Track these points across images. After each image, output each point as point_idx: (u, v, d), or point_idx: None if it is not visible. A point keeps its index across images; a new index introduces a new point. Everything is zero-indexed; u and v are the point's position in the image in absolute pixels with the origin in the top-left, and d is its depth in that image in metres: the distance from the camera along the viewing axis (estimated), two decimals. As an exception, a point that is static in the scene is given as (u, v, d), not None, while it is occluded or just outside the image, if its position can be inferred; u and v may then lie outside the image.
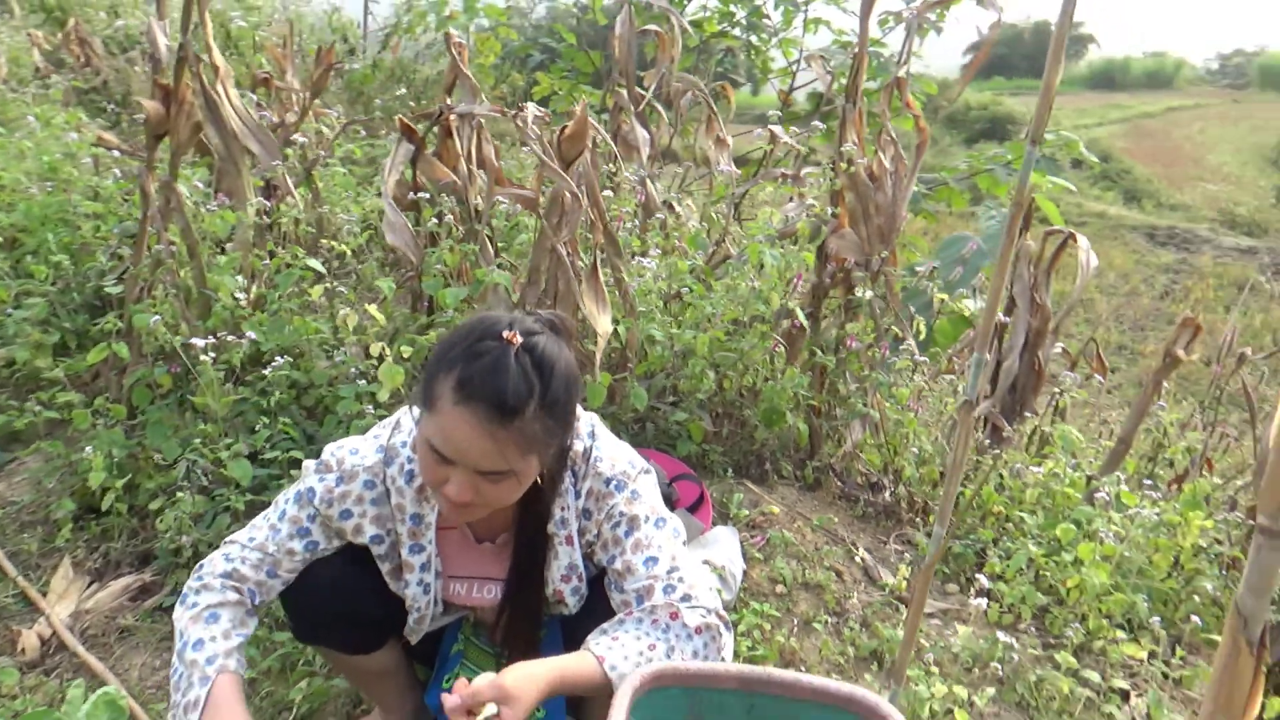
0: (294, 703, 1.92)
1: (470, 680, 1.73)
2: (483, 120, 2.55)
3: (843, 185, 3.08)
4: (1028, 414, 3.63)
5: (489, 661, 1.75)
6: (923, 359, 2.97)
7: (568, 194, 2.31)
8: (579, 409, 1.53)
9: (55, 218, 3.51)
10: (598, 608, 1.54)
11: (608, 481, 1.48)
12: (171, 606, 2.21)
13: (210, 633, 1.41)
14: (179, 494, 2.27)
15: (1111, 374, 5.87)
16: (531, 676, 1.27)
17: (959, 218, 9.71)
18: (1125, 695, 2.23)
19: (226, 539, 1.53)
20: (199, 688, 1.35)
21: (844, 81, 3.15)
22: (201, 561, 1.51)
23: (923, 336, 3.25)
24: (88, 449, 2.35)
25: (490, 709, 1.22)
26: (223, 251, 3.18)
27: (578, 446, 1.49)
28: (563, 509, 1.49)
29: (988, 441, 3.34)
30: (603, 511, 1.48)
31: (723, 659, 1.46)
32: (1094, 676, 2.20)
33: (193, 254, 2.76)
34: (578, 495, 1.49)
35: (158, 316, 2.50)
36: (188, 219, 2.73)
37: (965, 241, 4.01)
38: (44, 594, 2.24)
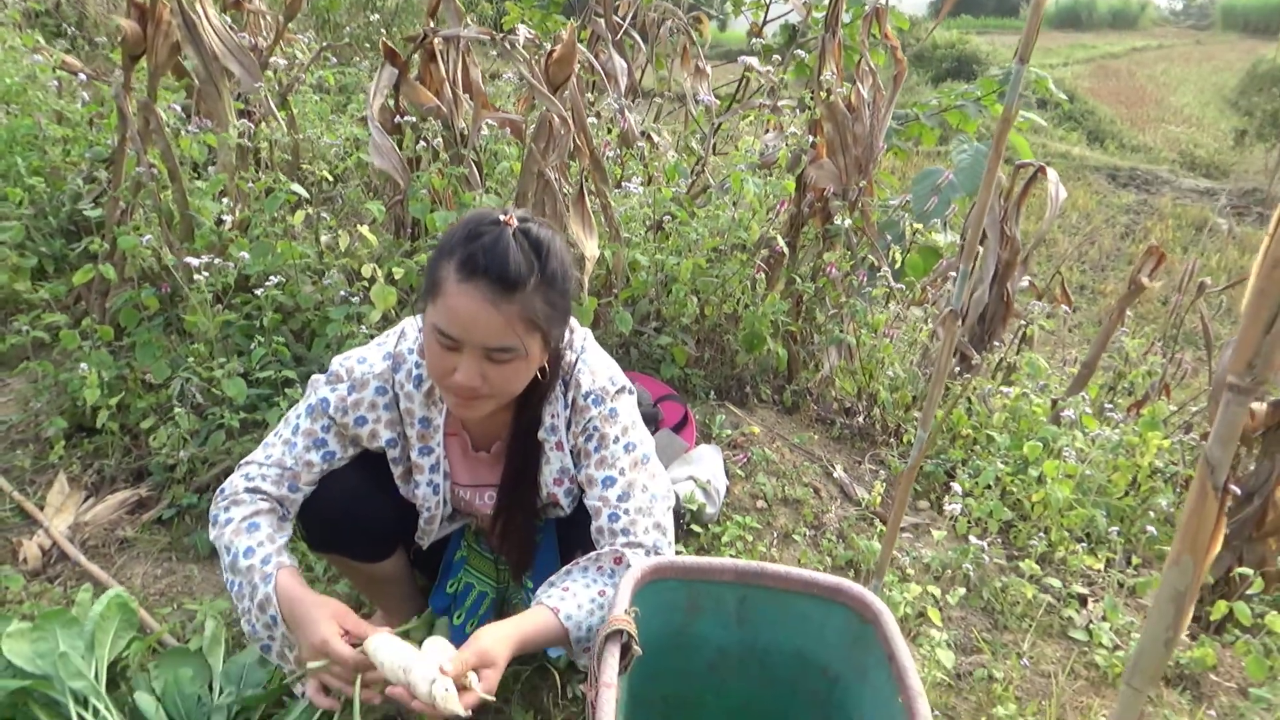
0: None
1: (472, 584, 1.82)
2: (469, 44, 2.55)
3: (821, 115, 3.12)
4: (996, 343, 3.75)
5: (489, 566, 1.83)
6: (899, 287, 3.06)
7: (556, 118, 2.33)
8: (574, 322, 1.59)
9: (23, 141, 3.45)
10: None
11: (586, 395, 1.53)
12: (170, 520, 2.28)
13: (256, 539, 1.47)
14: (175, 412, 2.30)
15: (1074, 312, 6.03)
16: (503, 638, 1.35)
17: (927, 156, 9.76)
18: (1084, 600, 2.37)
19: (241, 462, 1.57)
20: (264, 586, 1.42)
21: (821, 14, 3.18)
22: (221, 486, 1.55)
23: (897, 266, 3.33)
24: (82, 366, 2.36)
25: (471, 679, 1.28)
26: (199, 175, 3.16)
27: (569, 357, 1.54)
28: (552, 416, 1.55)
29: (957, 369, 3.46)
30: (579, 424, 1.54)
31: None
32: (1055, 583, 2.34)
33: (174, 177, 2.74)
34: (566, 404, 1.55)
35: (147, 237, 2.50)
36: (168, 141, 2.71)
37: (939, 174, 4.07)
38: (41, 508, 2.28)
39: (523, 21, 6.37)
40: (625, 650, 1.30)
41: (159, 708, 1.71)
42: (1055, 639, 2.23)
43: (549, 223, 1.44)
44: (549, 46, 2.51)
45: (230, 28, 3.48)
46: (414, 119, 2.65)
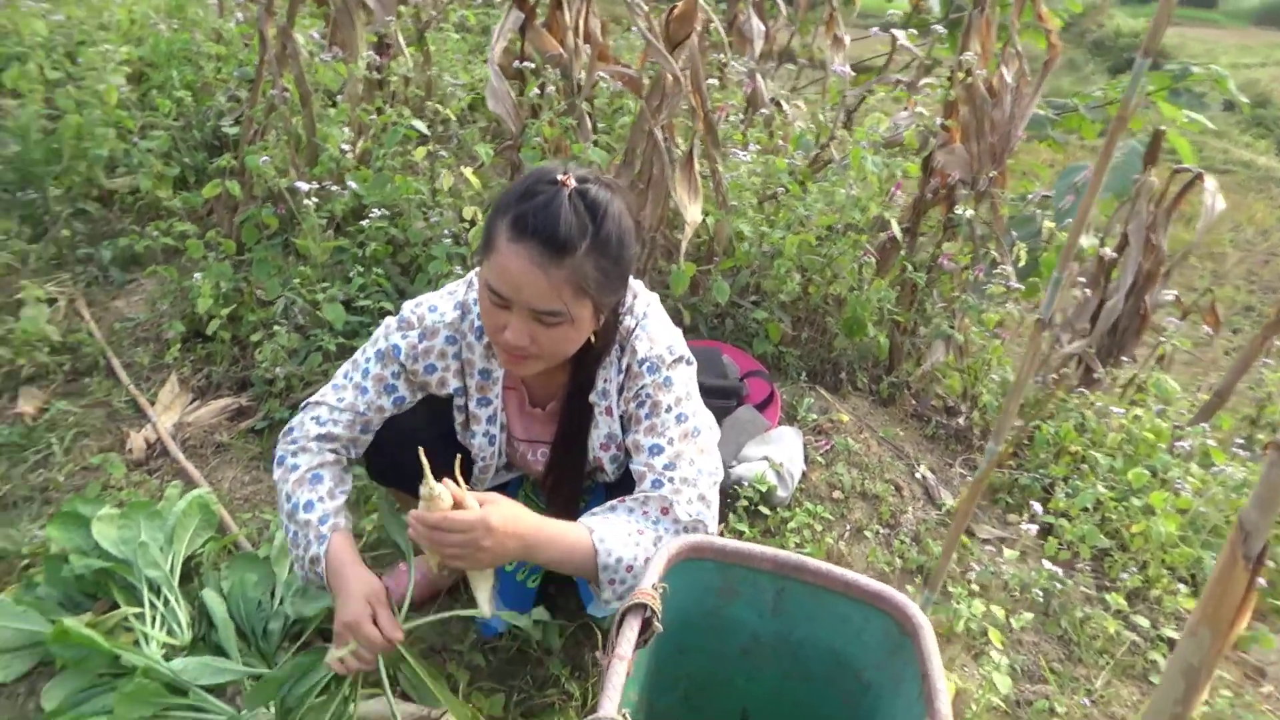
0: (365, 531, 2.06)
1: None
2: (595, -8, 2.52)
3: (958, 97, 2.95)
4: (1125, 359, 3.51)
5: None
6: (1018, 286, 2.88)
7: (669, 76, 2.28)
8: (640, 287, 1.56)
9: (180, 55, 3.63)
10: None
11: (642, 362, 1.50)
12: (263, 430, 2.39)
13: (317, 493, 1.52)
14: (276, 329, 2.40)
15: (1233, 334, 5.59)
16: (517, 506, 1.36)
17: (1089, 150, 9.15)
18: (1174, 645, 2.21)
19: (309, 402, 1.60)
20: (316, 546, 1.48)
21: None
22: (289, 425, 1.59)
23: (1022, 264, 3.14)
24: (196, 275, 2.49)
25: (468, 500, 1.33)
26: (334, 104, 3.26)
27: (629, 322, 1.51)
28: (605, 380, 1.52)
29: (1076, 381, 3.25)
30: (631, 389, 1.51)
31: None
32: (1143, 622, 2.19)
33: (305, 102, 2.83)
34: (620, 370, 1.52)
35: (267, 158, 2.59)
36: (302, 67, 2.79)
37: (1082, 170, 3.80)
38: (152, 403, 2.42)
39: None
40: (646, 625, 1.28)
41: (224, 606, 1.81)
42: (1133, 681, 2.09)
43: (615, 183, 1.41)
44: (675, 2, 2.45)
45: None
46: (534, 65, 2.65)
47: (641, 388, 1.50)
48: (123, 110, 3.26)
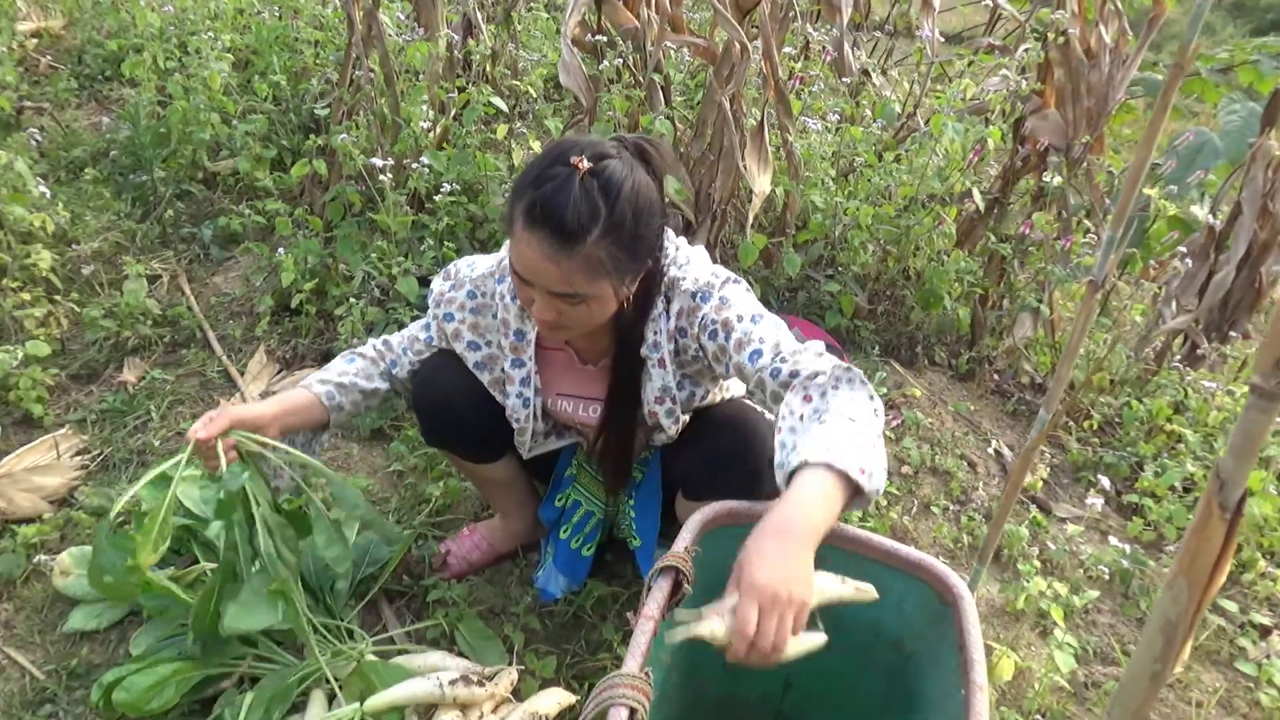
0: (433, 497, 2.12)
1: (579, 501, 1.85)
2: (664, -38, 2.50)
3: (1052, 59, 2.82)
4: (1234, 335, 3.30)
5: (597, 486, 1.86)
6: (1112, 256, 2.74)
7: (738, 45, 2.25)
8: (681, 240, 1.55)
9: (281, 41, 3.79)
10: (697, 434, 1.61)
11: (694, 295, 1.48)
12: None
13: (338, 366, 1.71)
14: (351, 302, 2.49)
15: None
16: (747, 551, 1.15)
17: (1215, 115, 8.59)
18: (1265, 632, 2.09)
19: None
20: (289, 392, 1.66)
21: None
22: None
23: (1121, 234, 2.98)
24: (279, 251, 2.60)
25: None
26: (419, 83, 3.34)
27: (672, 272, 1.51)
28: (655, 333, 1.51)
29: (1179, 357, 3.08)
30: (695, 325, 1.48)
31: (869, 394, 1.32)
32: (1231, 607, 2.08)
33: (389, 82, 2.91)
34: (669, 318, 1.51)
35: (344, 136, 2.69)
36: (386, 48, 2.87)
37: (1203, 138, 3.56)
38: (242, 373, 2.55)
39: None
40: (677, 588, 1.29)
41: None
42: (1218, 668, 1.98)
43: (650, 148, 1.40)
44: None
45: (464, -59, 3.62)
46: (604, 39, 2.65)
47: (704, 317, 1.46)
48: (226, 96, 3.43)
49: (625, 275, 1.39)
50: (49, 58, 4.49)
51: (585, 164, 1.30)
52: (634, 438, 1.65)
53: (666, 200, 2.58)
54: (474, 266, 1.63)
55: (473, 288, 1.62)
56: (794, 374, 1.35)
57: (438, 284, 1.67)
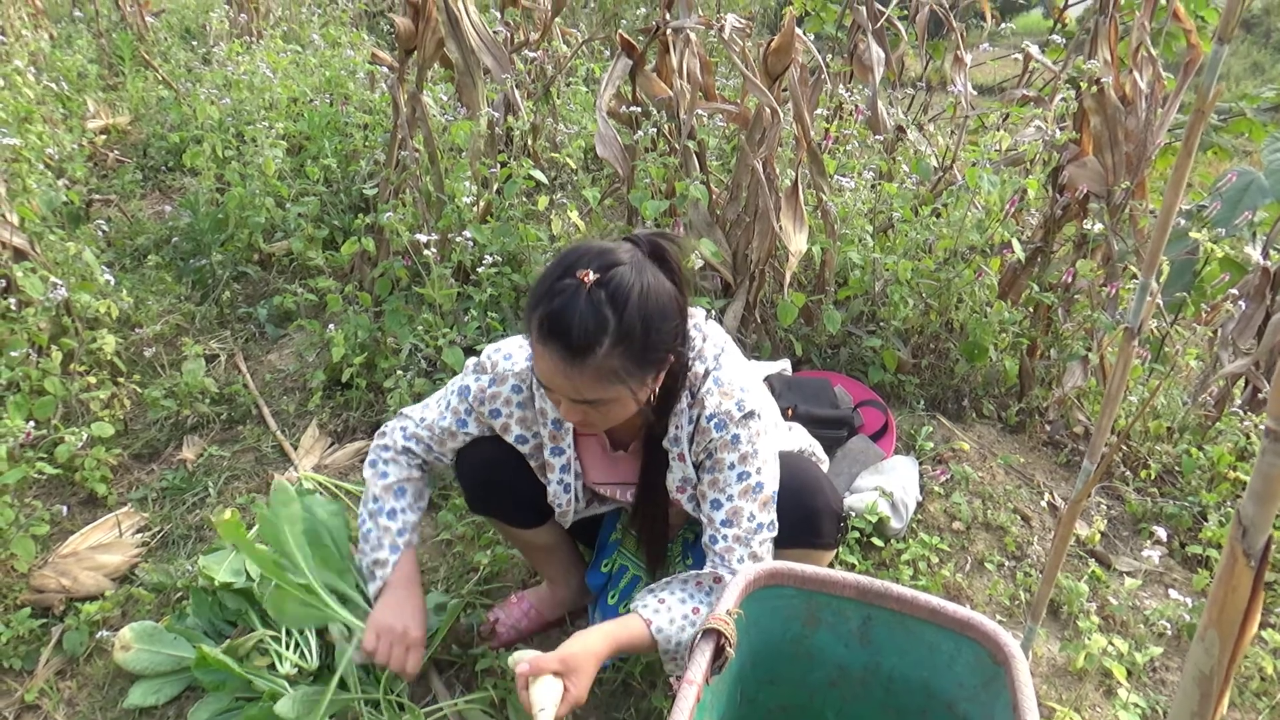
0: (480, 564, 2.14)
1: (626, 566, 1.86)
2: (692, 34, 2.57)
3: (1088, 107, 2.82)
4: (1297, 376, 3.20)
5: (641, 550, 1.86)
6: (1163, 300, 2.70)
7: (767, 110, 2.30)
8: (711, 328, 1.57)
9: (332, 127, 3.95)
10: None
11: (709, 418, 1.50)
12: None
13: (401, 504, 1.69)
14: (398, 374, 2.55)
15: None
16: (590, 648, 1.41)
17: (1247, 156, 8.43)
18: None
19: (402, 411, 1.76)
20: (389, 552, 1.66)
21: None
22: (384, 428, 1.75)
23: (1164, 278, 2.94)
24: (330, 327, 2.68)
25: (553, 686, 1.36)
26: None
27: (699, 368, 1.51)
28: (677, 427, 1.53)
29: (1239, 402, 3.00)
30: (701, 444, 1.52)
31: None
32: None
33: (433, 160, 3.02)
34: (691, 420, 1.53)
35: (391, 214, 2.78)
36: (430, 128, 2.99)
37: (1249, 177, 3.51)
38: (295, 447, 2.62)
39: (807, 11, 6.31)
40: (719, 652, 1.28)
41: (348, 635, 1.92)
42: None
43: (664, 243, 1.42)
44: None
45: (506, 23, 3.78)
46: (639, 110, 2.72)
47: (709, 442, 1.51)
48: (280, 180, 3.58)
49: (642, 378, 1.41)
50: (116, 152, 4.74)
51: (591, 276, 1.33)
52: (666, 518, 1.68)
53: (701, 265, 2.62)
54: (510, 357, 1.64)
55: (516, 381, 1.63)
56: (720, 557, 1.51)
57: (472, 380, 1.66)
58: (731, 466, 1.50)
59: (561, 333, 1.32)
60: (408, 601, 1.63)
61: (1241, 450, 2.67)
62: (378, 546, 1.67)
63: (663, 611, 1.49)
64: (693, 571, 1.54)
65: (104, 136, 4.85)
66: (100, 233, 3.50)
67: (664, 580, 1.56)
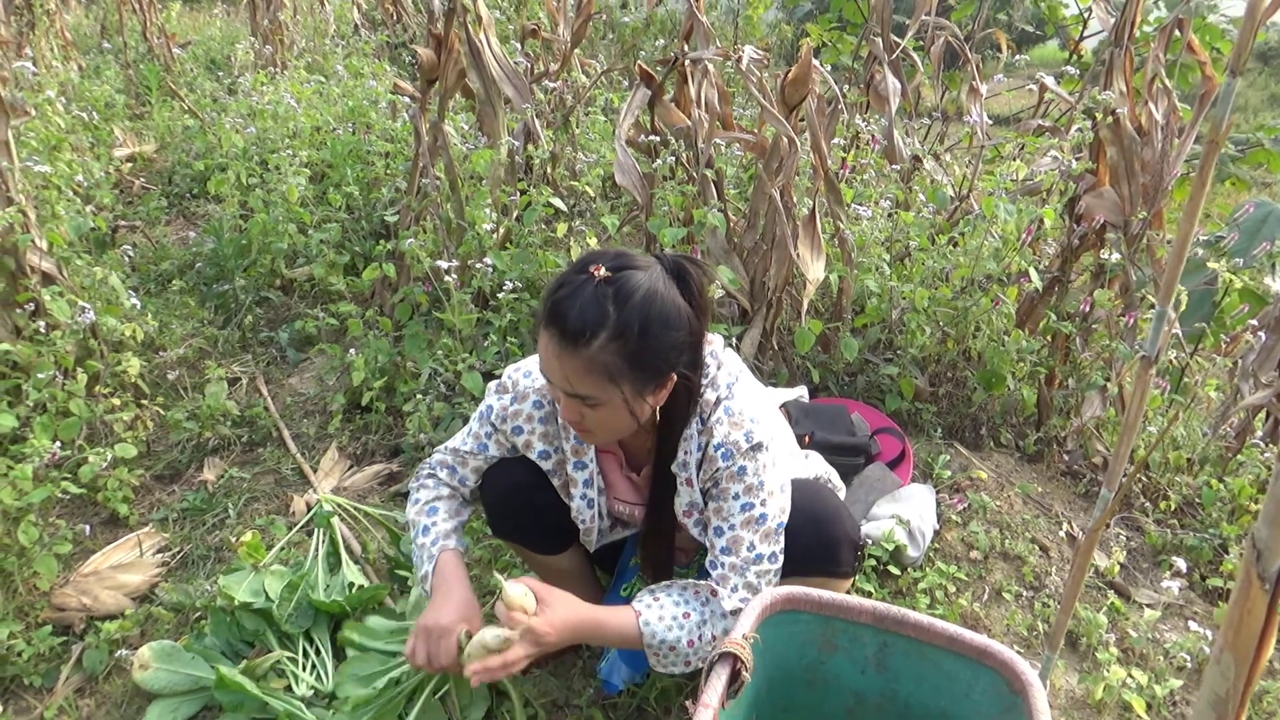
0: (497, 587, 2.14)
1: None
2: (710, 65, 2.61)
3: (1104, 138, 2.83)
4: (1320, 407, 3.18)
5: (648, 571, 1.86)
6: (1180, 331, 2.69)
7: (785, 139, 2.32)
8: (728, 356, 1.58)
9: (354, 155, 4.01)
10: None
11: (717, 447, 1.50)
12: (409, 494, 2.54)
13: (432, 520, 1.70)
14: (417, 398, 2.57)
15: None
16: (575, 606, 1.48)
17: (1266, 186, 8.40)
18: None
19: (443, 445, 1.80)
20: (427, 564, 1.65)
21: (1150, 26, 2.88)
22: (424, 462, 1.80)
23: (1183, 309, 2.93)
24: (350, 352, 2.71)
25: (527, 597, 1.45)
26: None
27: (709, 395, 1.52)
28: (685, 452, 1.54)
29: (1260, 434, 2.98)
30: (708, 472, 1.53)
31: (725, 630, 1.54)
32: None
33: (454, 188, 3.06)
34: (700, 447, 1.53)
35: (411, 240, 2.82)
36: (451, 156, 3.03)
37: (1267, 209, 3.50)
38: (314, 470, 2.64)
39: (824, 43, 6.37)
40: (735, 676, 1.28)
41: (358, 650, 1.93)
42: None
43: (689, 265, 1.43)
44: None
45: (525, 54, 3.83)
46: (657, 139, 2.76)
47: (716, 471, 1.52)
48: (302, 207, 3.63)
49: (637, 384, 1.41)
50: (142, 179, 4.82)
51: (603, 272, 1.36)
52: (673, 541, 1.68)
53: (719, 293, 2.64)
54: (530, 374, 1.65)
55: (538, 398, 1.64)
56: (716, 583, 1.53)
57: (495, 400, 1.68)
58: (736, 497, 1.51)
59: (560, 318, 1.35)
60: (441, 599, 1.60)
61: (1263, 483, 2.65)
62: (419, 564, 1.68)
63: (654, 607, 1.51)
64: (692, 580, 1.56)
65: (130, 164, 4.95)
66: (126, 258, 3.55)
67: (664, 583, 1.58)
